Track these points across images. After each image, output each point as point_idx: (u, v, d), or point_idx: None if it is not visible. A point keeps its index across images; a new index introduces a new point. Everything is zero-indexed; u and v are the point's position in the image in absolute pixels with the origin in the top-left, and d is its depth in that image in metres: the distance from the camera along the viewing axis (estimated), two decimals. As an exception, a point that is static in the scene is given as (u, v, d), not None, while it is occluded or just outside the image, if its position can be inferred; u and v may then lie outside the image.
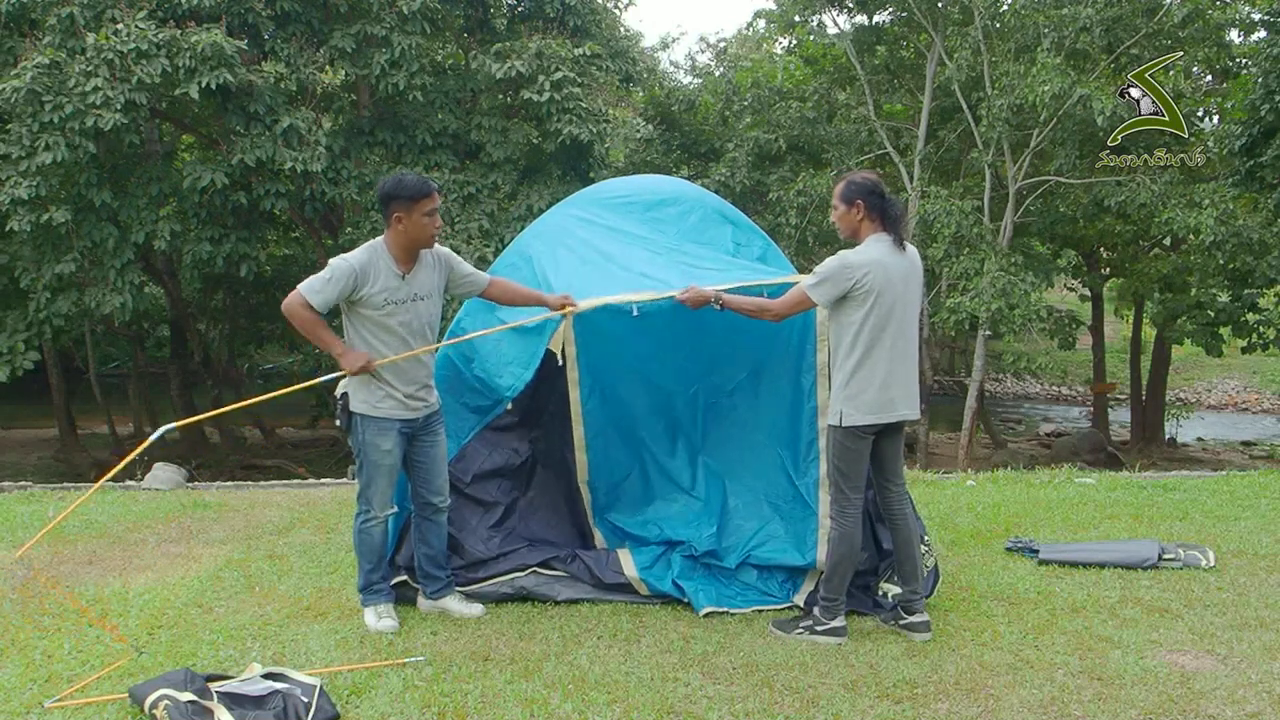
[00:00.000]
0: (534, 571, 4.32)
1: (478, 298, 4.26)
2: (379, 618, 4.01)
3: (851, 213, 3.82)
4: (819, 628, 3.87)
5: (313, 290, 3.76)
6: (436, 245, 4.01)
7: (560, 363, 4.23)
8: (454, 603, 4.18)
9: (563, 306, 4.10)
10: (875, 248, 3.76)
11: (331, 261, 3.84)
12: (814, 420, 4.28)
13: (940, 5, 14.68)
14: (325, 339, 3.83)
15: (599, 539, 4.60)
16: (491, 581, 4.30)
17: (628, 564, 4.33)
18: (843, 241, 3.97)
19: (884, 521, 4.18)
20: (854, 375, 3.77)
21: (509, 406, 4.33)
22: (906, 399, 3.83)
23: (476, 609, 4.15)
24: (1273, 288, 14.38)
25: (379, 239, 3.91)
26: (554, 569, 4.34)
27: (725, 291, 3.95)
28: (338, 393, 4.00)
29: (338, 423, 4.03)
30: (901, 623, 3.94)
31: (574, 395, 4.41)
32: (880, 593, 4.24)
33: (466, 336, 4.33)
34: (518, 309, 4.24)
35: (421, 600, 4.23)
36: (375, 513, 4.01)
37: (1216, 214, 12.37)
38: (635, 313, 4.06)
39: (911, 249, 3.89)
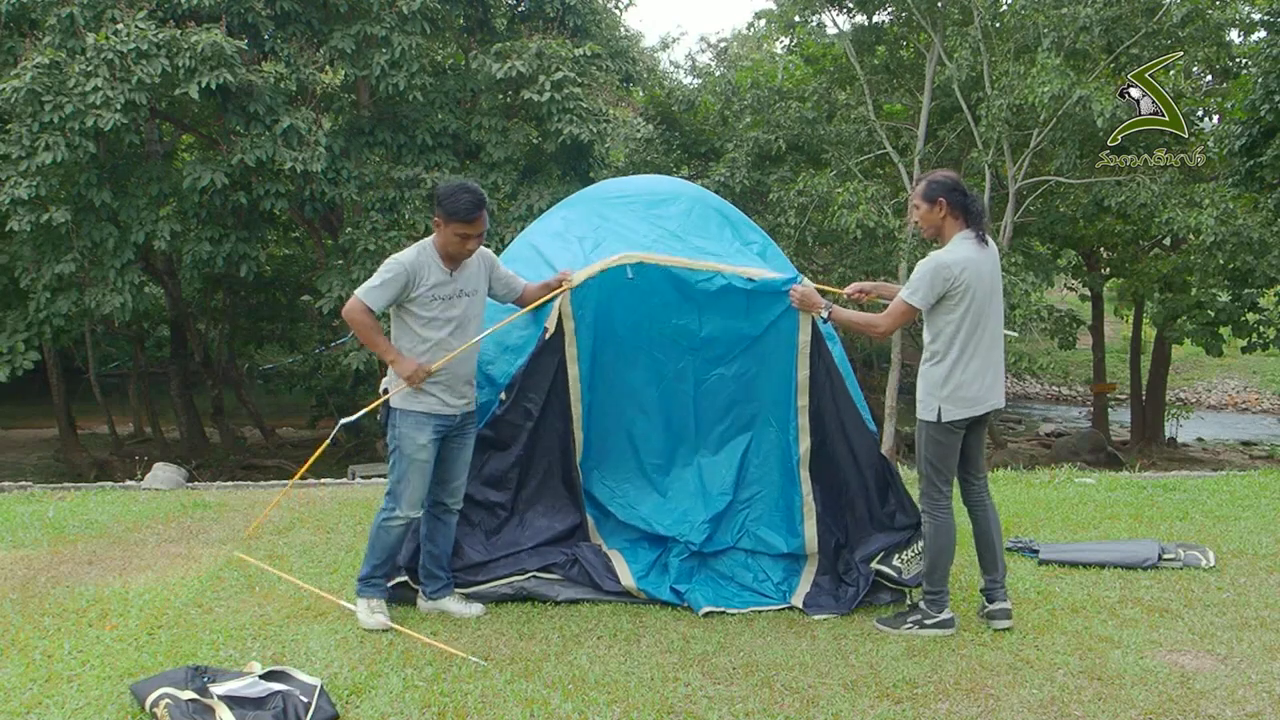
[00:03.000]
0: (533, 576, 4.33)
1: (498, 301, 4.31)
2: (371, 612, 4.01)
3: (935, 211, 3.89)
4: (928, 621, 3.92)
5: (370, 291, 3.86)
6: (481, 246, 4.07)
7: (548, 336, 4.29)
8: (453, 603, 4.18)
9: (560, 283, 4.23)
10: (963, 246, 3.83)
11: (385, 263, 3.93)
12: (794, 399, 4.32)
13: (940, 5, 14.67)
14: (380, 345, 3.92)
15: (590, 525, 4.60)
16: (490, 584, 4.30)
17: (624, 573, 4.33)
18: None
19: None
20: (953, 372, 3.83)
21: (502, 396, 4.35)
22: (997, 389, 3.94)
23: (476, 609, 4.15)
24: (1273, 287, 14.37)
25: (429, 238, 3.99)
26: (552, 574, 4.34)
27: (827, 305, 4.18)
28: (381, 388, 4.09)
29: (378, 416, 4.09)
30: (984, 611, 4.02)
31: (572, 371, 4.40)
32: (871, 569, 4.28)
33: (485, 332, 4.38)
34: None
35: (421, 601, 4.22)
36: (401, 512, 4.00)
37: (1217, 214, 12.37)
38: (630, 275, 4.18)
39: (991, 242, 3.96)
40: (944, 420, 3.86)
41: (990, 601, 4.01)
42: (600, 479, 4.65)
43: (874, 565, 4.27)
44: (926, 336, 3.93)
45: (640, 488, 4.65)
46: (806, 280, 4.29)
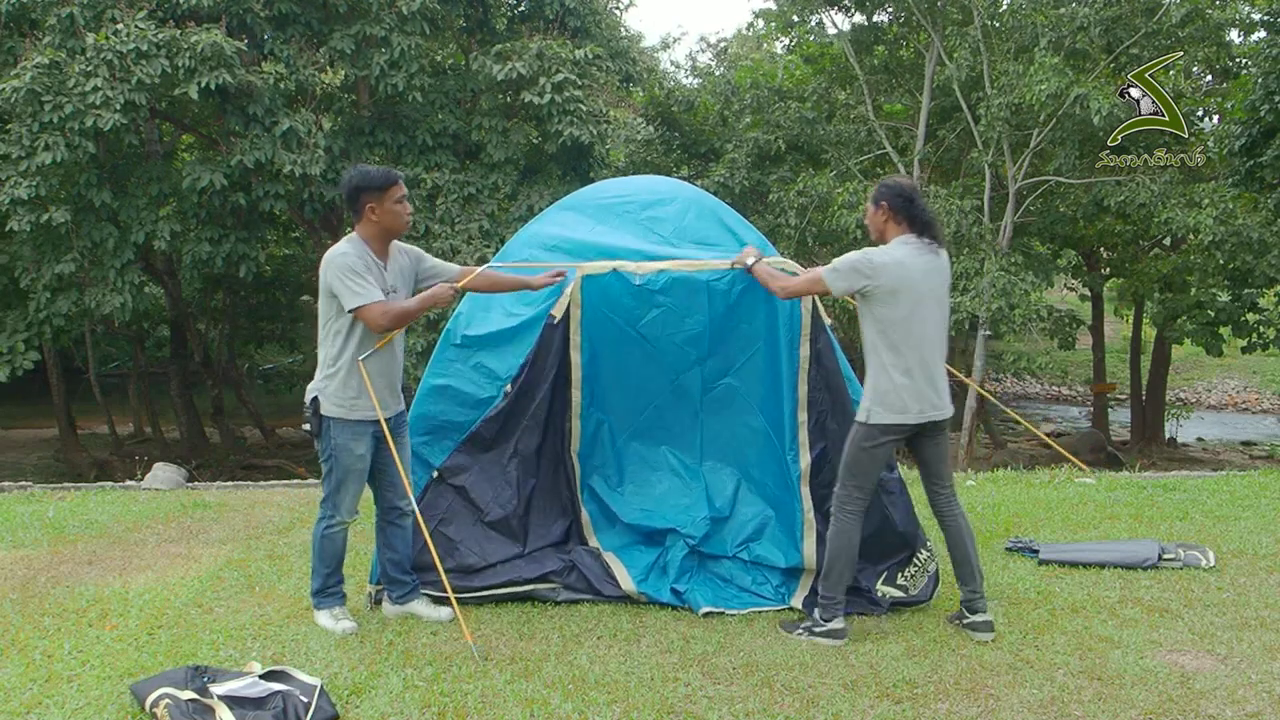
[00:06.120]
0: (531, 586, 4.31)
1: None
2: (335, 620, 3.97)
3: (878, 214, 3.92)
4: (817, 629, 3.88)
5: (364, 295, 3.72)
6: (401, 243, 4.03)
7: (555, 321, 4.30)
8: (421, 606, 4.14)
9: (551, 280, 4.21)
10: (899, 249, 3.82)
11: (335, 263, 3.76)
12: (795, 415, 4.33)
13: (939, 5, 14.68)
14: (413, 305, 3.86)
15: (586, 519, 4.58)
16: (486, 591, 4.27)
17: (623, 578, 4.32)
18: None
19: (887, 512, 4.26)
20: (879, 374, 3.82)
21: (507, 389, 4.33)
22: (933, 400, 3.84)
23: (445, 613, 4.08)
24: (1273, 287, 14.38)
25: (353, 234, 3.90)
26: (550, 582, 4.33)
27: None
28: (308, 396, 3.91)
29: (306, 427, 3.94)
30: (965, 622, 3.95)
31: (575, 359, 4.41)
32: (879, 594, 4.24)
33: (505, 264, 4.38)
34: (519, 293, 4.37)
35: (387, 605, 4.18)
36: (341, 518, 3.96)
37: (1216, 214, 12.38)
38: (637, 281, 4.25)
39: (940, 253, 3.91)
40: (871, 422, 3.82)
41: (972, 613, 3.93)
42: (601, 474, 4.65)
43: (879, 588, 4.26)
44: (862, 338, 3.91)
45: (642, 485, 4.66)
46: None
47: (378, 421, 3.89)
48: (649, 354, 4.48)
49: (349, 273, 3.74)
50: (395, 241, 3.99)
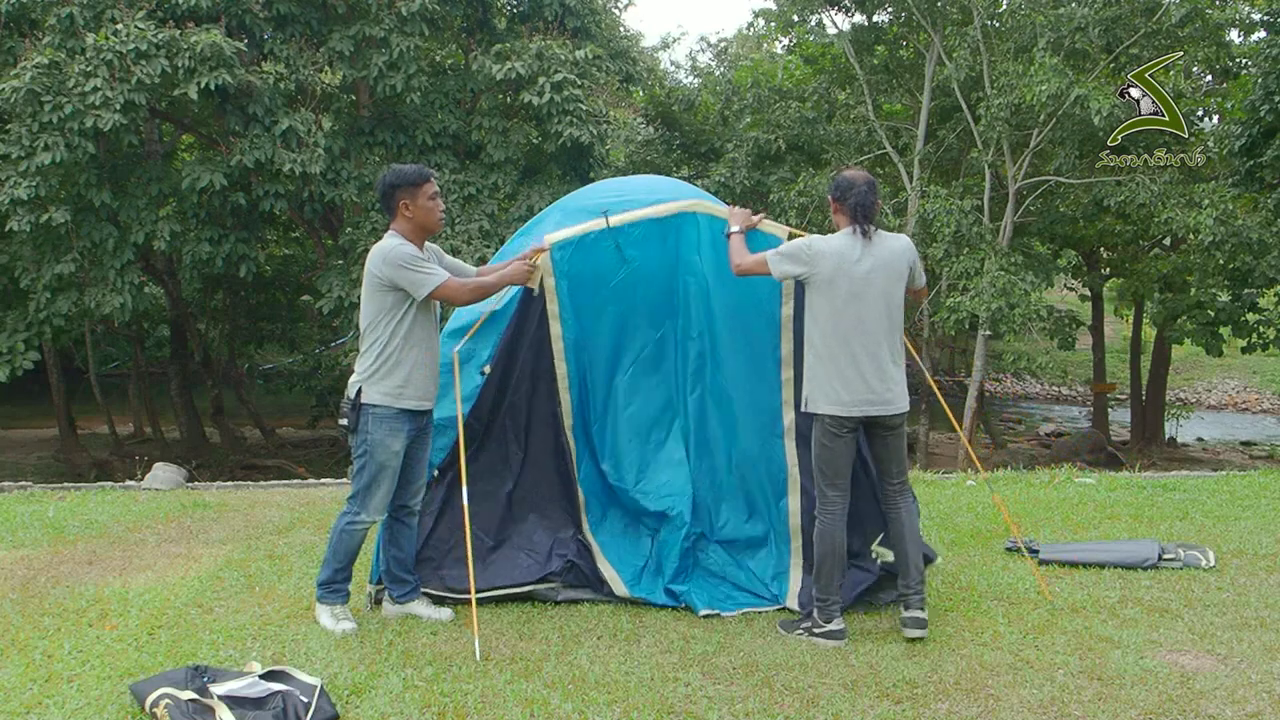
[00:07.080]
0: (530, 590, 4.31)
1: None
2: (336, 620, 3.96)
3: (831, 207, 4.00)
4: (817, 630, 3.88)
5: (438, 275, 3.82)
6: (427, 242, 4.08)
7: (536, 293, 4.31)
8: (421, 607, 4.14)
9: (533, 253, 4.24)
10: (839, 239, 3.86)
11: (396, 253, 3.80)
12: (779, 372, 4.36)
13: (939, 5, 14.67)
14: (493, 282, 3.98)
15: (581, 500, 4.57)
16: (487, 593, 4.25)
17: (615, 582, 4.32)
18: None
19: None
20: (814, 366, 3.85)
21: (485, 369, 4.33)
22: (875, 395, 3.80)
23: (445, 613, 4.09)
24: (1272, 287, 14.37)
25: (391, 233, 3.93)
26: (550, 582, 4.33)
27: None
28: (350, 390, 3.92)
29: (343, 421, 3.93)
30: (900, 617, 3.96)
31: (555, 330, 4.39)
32: (873, 556, 4.24)
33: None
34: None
35: (387, 605, 4.17)
36: (366, 517, 3.95)
37: (1216, 214, 12.37)
38: (608, 221, 4.25)
39: (892, 241, 3.90)
40: (808, 410, 3.87)
41: (905, 609, 3.91)
42: (598, 443, 4.63)
43: (874, 549, 4.24)
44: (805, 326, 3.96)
45: (629, 454, 4.62)
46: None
47: (417, 414, 3.93)
48: (624, 315, 4.47)
49: (413, 259, 3.81)
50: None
